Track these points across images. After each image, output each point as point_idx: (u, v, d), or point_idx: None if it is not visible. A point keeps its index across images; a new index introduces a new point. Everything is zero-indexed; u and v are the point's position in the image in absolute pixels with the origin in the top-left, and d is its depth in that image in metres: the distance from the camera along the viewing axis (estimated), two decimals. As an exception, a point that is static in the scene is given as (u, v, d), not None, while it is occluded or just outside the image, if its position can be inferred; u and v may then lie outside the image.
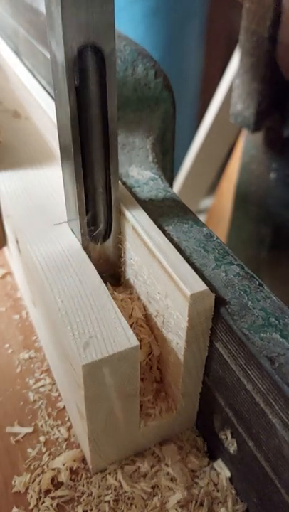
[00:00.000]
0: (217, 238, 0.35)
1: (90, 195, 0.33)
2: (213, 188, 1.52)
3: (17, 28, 0.61)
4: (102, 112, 0.30)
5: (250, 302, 0.29)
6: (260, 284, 0.31)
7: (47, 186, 0.42)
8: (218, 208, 1.31)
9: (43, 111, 0.48)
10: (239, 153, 1.23)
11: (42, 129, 0.51)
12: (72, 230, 0.36)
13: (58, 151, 0.46)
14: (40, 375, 0.41)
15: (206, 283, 0.29)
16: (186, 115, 1.61)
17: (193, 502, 0.32)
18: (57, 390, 0.40)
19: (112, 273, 0.38)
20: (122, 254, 0.37)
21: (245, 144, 0.83)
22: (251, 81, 0.66)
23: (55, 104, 0.31)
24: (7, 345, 0.43)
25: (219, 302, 0.29)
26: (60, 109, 0.30)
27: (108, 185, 0.33)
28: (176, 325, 0.31)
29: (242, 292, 0.30)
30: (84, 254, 0.34)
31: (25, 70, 0.58)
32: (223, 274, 0.31)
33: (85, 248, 0.34)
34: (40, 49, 0.52)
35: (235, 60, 1.21)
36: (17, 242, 0.40)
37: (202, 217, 1.43)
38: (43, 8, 0.48)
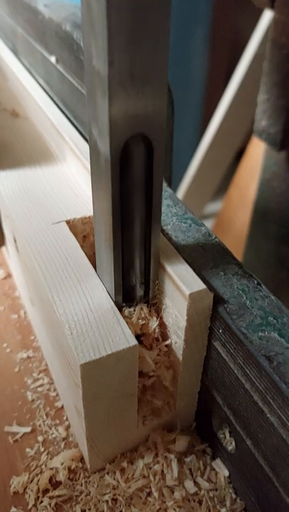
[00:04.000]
0: (216, 237, 0.35)
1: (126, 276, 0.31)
2: (218, 193, 1.52)
3: (15, 27, 0.61)
4: (147, 201, 0.28)
5: (248, 301, 0.29)
6: (258, 284, 0.31)
7: (45, 186, 0.42)
8: (227, 216, 1.30)
9: (42, 110, 0.48)
10: (249, 161, 1.23)
11: (40, 128, 0.51)
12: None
13: (57, 150, 0.46)
14: (39, 374, 0.41)
15: (204, 282, 0.29)
16: (190, 118, 1.61)
17: (192, 501, 0.32)
18: (55, 390, 0.40)
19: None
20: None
21: (266, 160, 0.79)
22: (279, 97, 0.62)
23: (93, 193, 0.29)
24: (5, 345, 0.43)
25: (218, 301, 0.29)
26: (99, 200, 0.28)
27: (147, 271, 0.31)
28: (174, 324, 0.31)
29: (240, 291, 0.30)
30: (82, 253, 0.34)
31: (23, 69, 0.58)
32: (222, 274, 0.31)
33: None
34: (38, 48, 0.52)
35: (241, 64, 1.21)
36: (15, 241, 0.40)
37: (208, 223, 1.43)
38: (41, 7, 0.48)
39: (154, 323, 0.32)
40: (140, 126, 0.24)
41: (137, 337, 0.30)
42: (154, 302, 0.32)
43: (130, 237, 0.29)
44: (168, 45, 0.22)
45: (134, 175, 0.26)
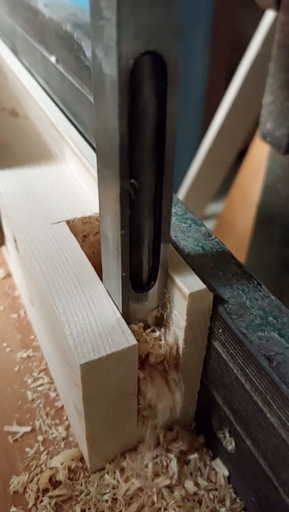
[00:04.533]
0: (215, 237, 0.35)
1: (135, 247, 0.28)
2: (219, 194, 1.52)
3: (15, 27, 0.61)
4: (158, 140, 0.24)
5: (248, 301, 0.29)
6: (258, 284, 0.31)
7: (45, 185, 0.42)
8: (229, 218, 1.29)
9: (41, 110, 0.48)
10: (251, 162, 1.23)
11: (40, 127, 0.51)
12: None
13: (57, 150, 0.46)
14: (39, 374, 0.41)
15: (204, 282, 0.29)
16: (191, 119, 1.61)
17: (192, 501, 0.32)
18: (55, 389, 0.40)
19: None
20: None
21: (270, 163, 0.77)
22: (284, 99, 0.61)
23: (96, 126, 0.24)
24: (5, 344, 0.43)
25: (217, 301, 0.29)
26: (104, 135, 0.24)
27: (158, 238, 0.28)
28: (174, 324, 0.31)
29: (240, 291, 0.30)
30: (82, 253, 0.34)
31: (23, 69, 0.58)
32: (222, 273, 0.31)
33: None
34: (38, 47, 0.52)
35: (243, 64, 1.20)
36: (15, 241, 0.40)
37: (209, 224, 1.42)
38: (41, 7, 0.48)
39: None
40: (152, 41, 0.20)
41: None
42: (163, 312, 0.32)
43: (139, 184, 0.24)
44: None
45: (144, 104, 0.22)
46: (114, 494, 0.32)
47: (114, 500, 0.32)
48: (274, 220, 0.80)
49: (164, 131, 0.23)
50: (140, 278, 0.29)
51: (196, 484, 0.33)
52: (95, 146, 0.42)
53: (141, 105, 0.22)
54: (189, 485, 0.33)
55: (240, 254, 0.94)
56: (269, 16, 1.09)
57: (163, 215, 0.27)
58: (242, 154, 1.32)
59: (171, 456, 0.33)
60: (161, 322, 0.32)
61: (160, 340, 0.31)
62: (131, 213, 0.25)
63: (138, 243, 0.27)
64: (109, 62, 0.21)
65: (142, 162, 0.24)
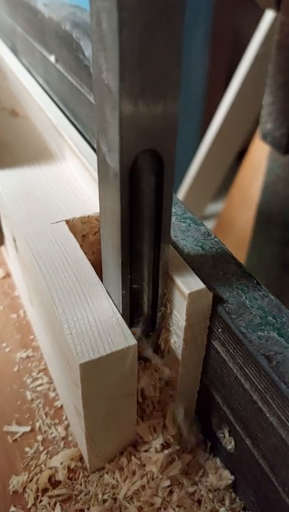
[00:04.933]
0: (215, 237, 0.35)
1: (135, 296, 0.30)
2: (219, 194, 1.52)
3: (14, 27, 0.61)
4: (156, 218, 0.27)
5: (247, 301, 0.29)
6: (257, 283, 0.31)
7: (44, 185, 0.41)
8: (229, 217, 1.29)
9: (41, 109, 0.48)
10: (251, 162, 1.23)
11: (40, 127, 0.51)
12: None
13: (56, 149, 0.46)
14: (38, 374, 0.41)
15: (203, 282, 0.29)
16: (191, 119, 1.61)
17: (191, 500, 0.32)
18: (54, 389, 0.40)
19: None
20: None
21: (270, 163, 0.77)
22: (284, 100, 0.61)
23: (100, 207, 0.28)
24: (4, 344, 0.43)
25: (217, 301, 0.29)
26: (107, 214, 0.27)
27: (156, 288, 0.30)
28: (174, 324, 0.31)
29: (240, 291, 0.30)
30: (82, 253, 0.34)
31: (22, 69, 0.58)
32: (221, 273, 0.31)
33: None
34: (38, 47, 0.52)
35: (243, 65, 1.20)
36: (14, 241, 0.40)
37: (209, 224, 1.42)
38: (40, 7, 0.48)
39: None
40: (151, 142, 0.23)
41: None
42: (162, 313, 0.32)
43: (139, 253, 0.28)
44: (181, 58, 0.21)
45: (144, 190, 0.25)
46: (114, 494, 0.32)
47: (114, 500, 0.32)
48: (274, 220, 0.80)
49: (161, 210, 0.27)
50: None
51: (196, 484, 0.33)
52: (95, 147, 0.42)
53: (140, 192, 0.25)
54: (188, 484, 0.33)
55: (241, 254, 0.94)
56: (269, 16, 1.09)
57: (160, 271, 0.29)
58: (242, 154, 1.32)
59: (171, 455, 0.33)
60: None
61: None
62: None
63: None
64: (112, 157, 0.24)
65: (142, 239, 0.27)
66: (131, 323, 0.31)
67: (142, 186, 0.25)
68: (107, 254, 0.29)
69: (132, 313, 0.30)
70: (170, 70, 0.21)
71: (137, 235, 0.27)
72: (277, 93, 0.62)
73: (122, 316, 0.29)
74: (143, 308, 0.31)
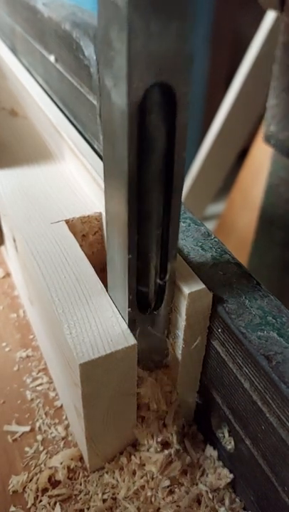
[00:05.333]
0: (215, 237, 0.35)
1: (142, 270, 0.27)
2: (220, 194, 1.51)
3: (14, 26, 0.61)
4: (167, 168, 0.24)
5: (247, 301, 0.29)
6: (257, 283, 0.31)
7: (44, 185, 0.41)
8: (230, 218, 1.29)
9: (40, 109, 0.48)
10: (252, 163, 1.23)
11: (39, 127, 0.51)
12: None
13: (56, 149, 0.46)
14: (38, 373, 0.41)
15: (203, 282, 0.29)
16: (191, 119, 1.61)
17: (191, 500, 0.32)
18: (54, 389, 0.40)
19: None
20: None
21: (273, 166, 0.77)
22: None
23: (105, 151, 0.25)
24: (4, 344, 0.43)
25: (217, 301, 0.29)
26: (113, 161, 0.24)
27: (164, 258, 0.27)
28: (173, 324, 0.31)
29: (239, 291, 0.30)
30: (81, 252, 0.34)
31: (22, 68, 0.58)
32: (221, 273, 0.31)
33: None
34: (37, 47, 0.52)
35: (244, 65, 1.20)
36: (14, 240, 0.40)
37: (210, 225, 1.42)
38: (40, 6, 0.48)
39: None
40: (163, 73, 0.20)
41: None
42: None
43: (147, 213, 0.25)
44: None
45: (154, 134, 0.22)
46: (114, 494, 0.32)
47: (114, 499, 0.32)
48: (276, 223, 0.80)
49: (172, 159, 0.23)
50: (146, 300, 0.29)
51: (195, 484, 0.33)
52: (94, 147, 0.42)
53: (150, 133, 0.22)
54: (188, 484, 0.33)
55: (242, 256, 0.94)
56: (270, 17, 1.09)
57: (170, 241, 0.27)
58: (243, 154, 1.32)
59: (171, 455, 0.33)
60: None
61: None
62: (138, 239, 0.25)
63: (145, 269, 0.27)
64: (119, 92, 0.21)
65: (151, 189, 0.24)
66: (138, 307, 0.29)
67: (152, 129, 0.22)
68: (112, 216, 0.26)
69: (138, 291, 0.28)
70: None
71: (146, 191, 0.24)
72: (281, 95, 0.61)
73: (128, 285, 0.27)
74: (149, 285, 0.28)
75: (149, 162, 0.23)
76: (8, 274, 0.51)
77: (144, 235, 0.26)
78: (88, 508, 0.32)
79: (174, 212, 0.26)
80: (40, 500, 0.32)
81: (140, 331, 0.30)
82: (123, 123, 0.21)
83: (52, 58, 0.47)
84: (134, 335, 0.28)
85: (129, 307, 0.28)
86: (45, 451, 0.35)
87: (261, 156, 1.18)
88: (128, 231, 0.25)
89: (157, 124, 0.22)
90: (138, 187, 0.23)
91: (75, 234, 0.36)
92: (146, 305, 0.29)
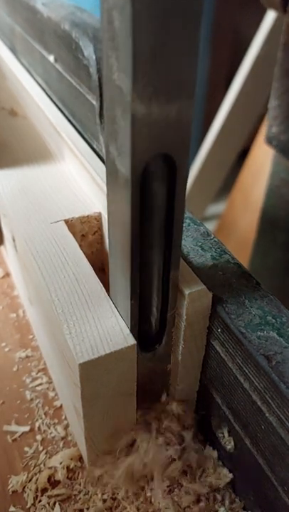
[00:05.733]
0: (214, 237, 0.35)
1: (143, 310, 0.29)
2: (220, 194, 1.51)
3: (13, 26, 0.61)
4: (167, 227, 0.26)
5: (247, 301, 0.29)
6: (257, 283, 0.31)
7: (44, 185, 0.41)
8: (231, 219, 1.29)
9: (40, 109, 0.48)
10: (253, 163, 1.23)
11: (39, 127, 0.51)
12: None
13: (55, 149, 0.46)
14: (37, 373, 0.41)
15: (203, 282, 0.29)
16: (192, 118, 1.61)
17: (191, 500, 0.32)
18: (54, 389, 0.40)
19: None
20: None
21: (275, 167, 0.76)
22: None
23: (108, 217, 0.27)
24: (4, 344, 0.43)
25: (216, 301, 0.29)
26: (116, 223, 0.26)
27: (165, 299, 0.29)
28: (174, 324, 0.31)
29: (239, 291, 0.30)
30: (81, 252, 0.34)
31: (21, 68, 0.58)
32: (221, 273, 0.31)
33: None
34: (37, 47, 0.52)
35: (244, 65, 1.20)
36: (14, 240, 0.40)
37: (210, 225, 1.42)
38: (39, 6, 0.48)
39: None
40: (164, 146, 0.22)
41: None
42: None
43: (148, 262, 0.27)
44: (198, 58, 0.20)
45: (156, 197, 0.24)
46: (113, 494, 0.32)
47: (113, 499, 0.32)
48: (278, 224, 0.79)
49: (172, 215, 0.25)
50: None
51: (195, 484, 0.33)
52: (94, 147, 0.42)
53: (151, 198, 0.24)
54: (188, 484, 0.33)
55: (243, 257, 0.94)
56: (270, 17, 1.09)
57: (170, 283, 0.28)
58: (243, 154, 1.32)
59: (171, 456, 0.33)
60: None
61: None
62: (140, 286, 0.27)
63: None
64: (123, 162, 0.22)
65: (152, 244, 0.26)
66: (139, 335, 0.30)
67: (154, 193, 0.24)
68: (116, 263, 0.28)
69: (140, 325, 0.29)
70: (186, 69, 0.20)
71: (147, 243, 0.26)
72: (283, 96, 0.61)
73: (131, 329, 0.28)
74: (151, 320, 0.30)
75: (151, 220, 0.25)
76: (7, 274, 0.51)
77: (146, 285, 0.28)
78: (88, 508, 0.32)
79: (174, 265, 0.27)
80: (40, 500, 0.32)
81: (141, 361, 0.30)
82: (127, 189, 0.23)
83: (51, 58, 0.47)
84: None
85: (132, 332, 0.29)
86: (44, 451, 0.35)
87: (262, 156, 1.18)
88: (131, 280, 0.26)
89: (158, 187, 0.24)
90: (140, 243, 0.25)
91: (74, 234, 0.36)
92: (149, 341, 0.31)
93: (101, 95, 0.37)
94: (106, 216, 0.36)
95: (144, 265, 0.27)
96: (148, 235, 0.26)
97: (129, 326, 0.28)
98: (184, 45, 0.19)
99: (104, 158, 0.25)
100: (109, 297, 0.30)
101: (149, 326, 0.30)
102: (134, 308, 0.28)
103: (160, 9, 0.18)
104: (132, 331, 0.28)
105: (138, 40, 0.18)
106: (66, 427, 0.37)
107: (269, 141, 0.65)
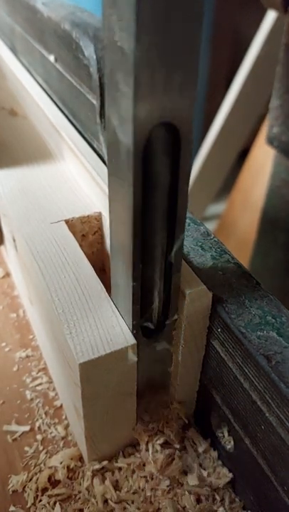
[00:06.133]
0: (214, 237, 0.35)
1: (145, 292, 0.28)
2: (220, 194, 1.51)
3: (13, 26, 0.61)
4: (170, 202, 0.25)
5: (247, 301, 0.29)
6: (257, 283, 0.31)
7: (44, 185, 0.41)
8: (231, 219, 1.29)
9: (40, 109, 0.48)
10: (253, 164, 1.23)
11: (39, 127, 0.51)
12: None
13: (55, 149, 0.46)
14: (37, 373, 0.41)
15: (203, 281, 0.29)
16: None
17: (191, 500, 0.32)
18: (54, 389, 0.40)
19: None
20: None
21: (276, 167, 0.76)
22: None
23: (109, 191, 0.25)
24: (4, 344, 0.43)
25: (216, 301, 0.29)
26: (117, 200, 0.25)
27: (168, 283, 0.28)
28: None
29: (239, 291, 0.30)
30: (81, 252, 0.34)
31: (22, 68, 0.58)
32: (220, 273, 0.31)
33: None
34: (37, 47, 0.52)
35: (244, 65, 1.20)
36: (14, 240, 0.40)
37: (210, 225, 1.42)
38: (39, 6, 0.48)
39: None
40: (168, 115, 0.21)
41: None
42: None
43: (151, 246, 0.26)
44: (202, 23, 0.19)
45: (159, 169, 0.23)
46: (113, 493, 0.32)
47: (113, 499, 0.32)
48: (278, 225, 0.79)
49: (176, 191, 0.24)
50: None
51: (195, 483, 0.33)
52: (94, 146, 0.42)
53: (155, 169, 0.23)
54: (188, 484, 0.33)
55: (243, 257, 0.94)
56: (270, 17, 1.09)
57: (173, 272, 0.27)
58: (243, 154, 1.32)
59: (170, 455, 0.33)
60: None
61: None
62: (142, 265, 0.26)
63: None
64: (125, 131, 0.21)
65: (155, 222, 0.25)
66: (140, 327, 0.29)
67: (157, 166, 0.23)
68: (116, 246, 0.27)
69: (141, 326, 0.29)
70: (190, 34, 0.19)
71: (149, 221, 0.25)
72: (284, 96, 0.61)
73: (133, 331, 0.28)
74: (152, 311, 0.29)
75: (154, 195, 0.24)
76: (7, 274, 0.51)
77: (148, 264, 0.27)
78: (88, 508, 0.32)
79: (178, 244, 0.26)
80: (40, 500, 0.32)
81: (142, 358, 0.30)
82: (129, 160, 0.22)
83: (51, 58, 0.47)
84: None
85: (133, 330, 0.28)
86: (44, 451, 0.35)
87: (262, 156, 1.18)
88: (132, 260, 0.25)
89: (162, 159, 0.23)
90: (143, 219, 0.24)
91: (74, 234, 0.36)
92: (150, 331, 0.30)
93: (101, 94, 0.37)
94: (106, 216, 0.37)
95: (146, 250, 0.26)
96: (151, 215, 0.24)
97: (131, 327, 0.28)
98: (189, 4, 0.18)
99: (105, 128, 0.24)
100: (110, 298, 0.30)
101: (151, 326, 0.30)
102: (135, 310, 0.27)
103: None
104: (133, 332, 0.28)
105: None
106: (66, 427, 0.37)
107: (270, 141, 0.65)
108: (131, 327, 0.28)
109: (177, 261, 0.27)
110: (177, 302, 0.29)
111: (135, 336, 0.28)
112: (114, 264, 0.28)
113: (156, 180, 0.23)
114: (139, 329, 0.29)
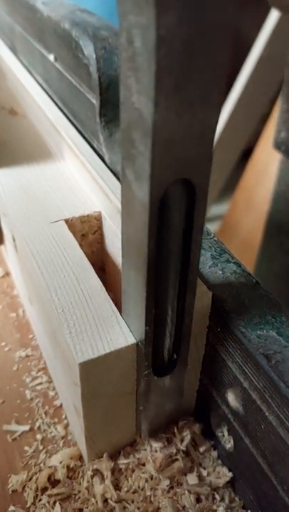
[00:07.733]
0: (214, 236, 0.35)
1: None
2: (222, 195, 1.51)
3: (13, 25, 0.61)
4: (184, 252, 0.25)
5: (247, 300, 0.29)
6: (257, 282, 0.31)
7: (44, 184, 0.41)
8: (233, 220, 1.28)
9: (40, 108, 0.48)
10: (256, 165, 1.22)
11: (39, 126, 0.51)
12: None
13: (55, 149, 0.46)
14: (37, 373, 0.41)
15: (203, 281, 0.29)
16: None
17: (190, 500, 0.32)
18: (54, 388, 0.40)
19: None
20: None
21: (282, 172, 0.75)
22: None
23: (123, 236, 0.25)
24: (3, 343, 0.43)
25: (216, 300, 0.29)
26: (131, 249, 0.25)
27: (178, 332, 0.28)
28: (173, 323, 0.31)
29: (239, 290, 0.30)
30: (81, 252, 0.34)
31: (21, 68, 0.58)
32: (220, 272, 0.31)
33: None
34: (37, 46, 0.52)
35: (246, 66, 1.20)
36: (14, 240, 0.40)
37: (212, 226, 1.41)
38: (39, 5, 0.48)
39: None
40: (184, 171, 0.21)
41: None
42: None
43: (163, 294, 0.26)
44: (224, 79, 0.19)
45: (174, 223, 0.23)
46: (113, 493, 0.32)
47: (113, 498, 0.32)
48: (285, 230, 0.79)
49: (190, 240, 0.24)
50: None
51: (195, 483, 0.33)
52: (94, 146, 0.42)
53: (168, 223, 0.23)
54: (188, 484, 0.33)
55: (247, 259, 0.93)
56: (272, 17, 1.09)
57: (185, 320, 0.27)
58: (246, 154, 1.32)
59: (170, 455, 0.33)
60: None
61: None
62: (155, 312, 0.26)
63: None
64: (141, 187, 0.21)
65: (168, 272, 0.25)
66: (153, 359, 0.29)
67: (172, 218, 0.23)
68: (130, 289, 0.27)
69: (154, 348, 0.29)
70: (210, 92, 0.19)
71: (163, 268, 0.25)
72: None
73: (145, 353, 0.27)
74: (164, 345, 0.29)
75: (167, 245, 0.24)
76: (7, 274, 0.51)
77: (161, 309, 0.27)
78: (88, 507, 0.32)
79: (190, 288, 0.26)
80: (40, 500, 0.32)
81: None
82: (144, 215, 0.22)
83: (51, 57, 0.47)
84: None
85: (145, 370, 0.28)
86: (44, 451, 0.35)
87: (266, 156, 1.18)
88: (146, 305, 0.25)
89: (177, 213, 0.23)
90: (156, 268, 0.24)
91: (74, 233, 0.36)
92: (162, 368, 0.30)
93: (101, 94, 0.37)
94: (106, 215, 0.37)
95: (160, 291, 0.26)
96: (163, 261, 0.24)
97: (144, 350, 0.27)
98: (208, 65, 0.18)
99: (120, 178, 0.23)
100: (117, 310, 0.30)
101: (164, 351, 0.29)
102: (148, 334, 0.27)
103: (184, 29, 0.17)
104: (146, 357, 0.27)
105: (161, 61, 0.17)
106: (66, 426, 0.37)
107: (277, 146, 0.64)
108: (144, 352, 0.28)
109: (189, 304, 0.27)
110: (189, 342, 0.29)
111: (146, 375, 0.28)
112: (126, 307, 0.28)
113: (170, 232, 0.23)
114: (151, 359, 0.28)
